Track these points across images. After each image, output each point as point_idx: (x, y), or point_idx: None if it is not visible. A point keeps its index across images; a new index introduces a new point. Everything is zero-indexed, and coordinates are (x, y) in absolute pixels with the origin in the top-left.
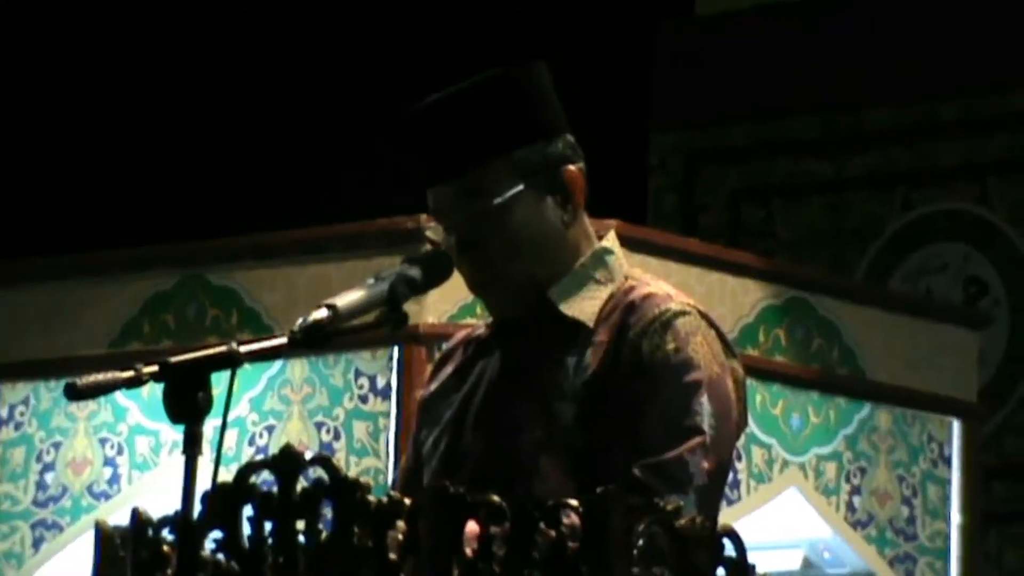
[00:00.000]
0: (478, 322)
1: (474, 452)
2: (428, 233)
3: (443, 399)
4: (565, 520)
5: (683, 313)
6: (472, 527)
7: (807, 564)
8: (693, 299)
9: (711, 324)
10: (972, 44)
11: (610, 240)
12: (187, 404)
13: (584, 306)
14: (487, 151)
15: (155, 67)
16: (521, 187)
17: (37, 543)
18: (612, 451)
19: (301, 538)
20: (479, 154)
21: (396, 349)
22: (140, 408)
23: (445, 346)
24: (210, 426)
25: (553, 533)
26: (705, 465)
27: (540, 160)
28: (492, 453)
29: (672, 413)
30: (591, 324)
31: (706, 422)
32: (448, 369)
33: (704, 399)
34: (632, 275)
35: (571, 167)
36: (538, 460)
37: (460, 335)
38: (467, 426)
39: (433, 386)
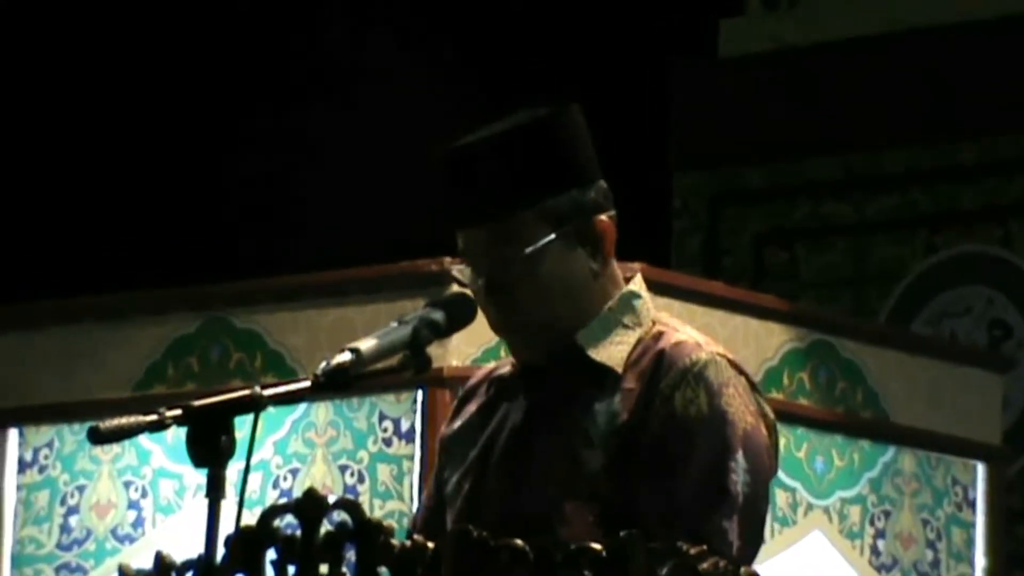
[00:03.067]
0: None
1: (498, 496)
2: (455, 274)
3: (466, 439)
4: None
5: (713, 362)
6: None
7: None
8: (718, 342)
9: (740, 371)
10: (992, 85)
11: (637, 284)
12: (210, 448)
13: (612, 351)
14: (520, 199)
15: (173, 110)
16: (552, 236)
17: None
18: (642, 504)
19: None
20: (512, 201)
21: (420, 392)
22: (164, 451)
23: (467, 383)
24: (234, 469)
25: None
26: (741, 527)
27: (572, 209)
28: (516, 497)
29: (707, 474)
30: (619, 370)
31: (741, 479)
32: (471, 408)
33: (739, 455)
34: (659, 319)
35: (603, 217)
36: (563, 506)
37: (482, 372)
38: (491, 469)
39: (456, 424)
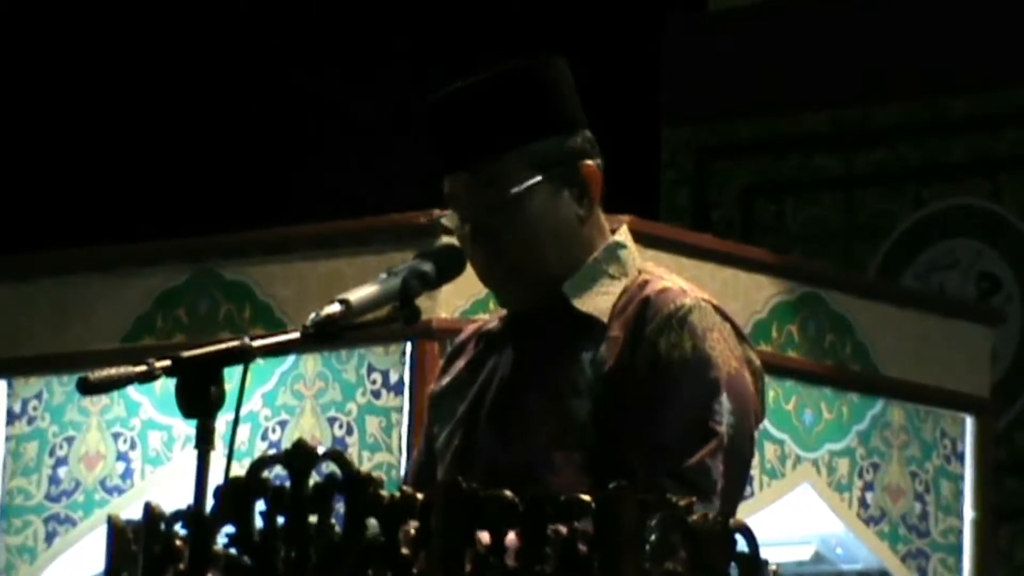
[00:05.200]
0: (490, 315)
1: (488, 448)
2: (443, 221)
3: (456, 393)
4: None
5: (698, 308)
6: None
7: (819, 559)
8: (706, 294)
9: (725, 318)
10: (982, 39)
11: (623, 234)
12: (200, 399)
13: (598, 301)
14: (505, 142)
15: (167, 63)
16: (539, 178)
17: (50, 538)
18: (628, 449)
19: (313, 533)
20: (497, 144)
21: (409, 344)
22: (153, 403)
23: (456, 339)
24: (223, 421)
25: (565, 529)
26: (725, 467)
27: (558, 153)
28: (506, 449)
29: (692, 414)
30: (605, 319)
31: (725, 421)
32: (460, 363)
33: (723, 397)
34: (645, 269)
35: (589, 162)
36: (552, 456)
37: (471, 328)
38: (481, 422)
39: (445, 380)
